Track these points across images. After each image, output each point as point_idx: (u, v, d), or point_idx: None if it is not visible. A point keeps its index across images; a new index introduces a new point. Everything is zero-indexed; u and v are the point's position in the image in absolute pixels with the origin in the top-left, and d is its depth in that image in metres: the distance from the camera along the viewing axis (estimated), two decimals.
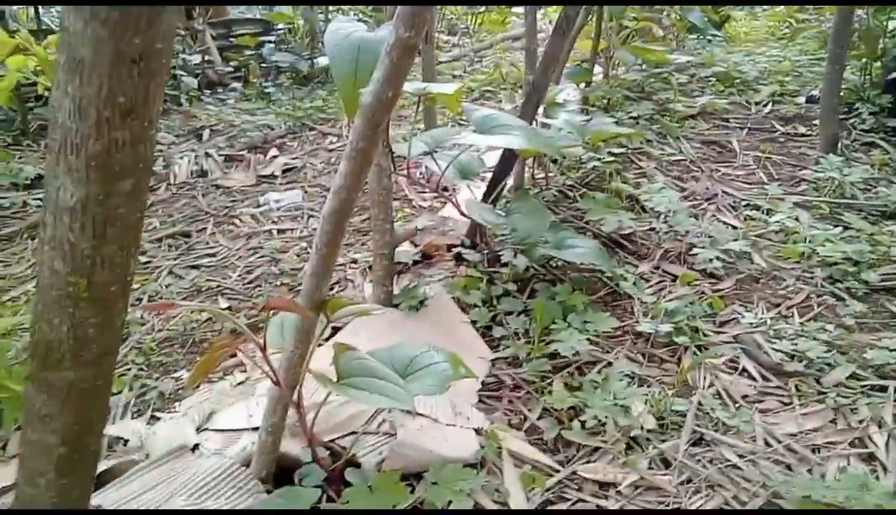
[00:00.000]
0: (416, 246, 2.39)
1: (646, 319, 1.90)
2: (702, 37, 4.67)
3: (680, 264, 2.21)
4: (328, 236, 1.11)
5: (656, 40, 4.44)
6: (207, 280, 2.48)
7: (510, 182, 2.37)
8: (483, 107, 1.89)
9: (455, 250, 2.24)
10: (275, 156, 3.69)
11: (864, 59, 3.27)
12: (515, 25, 9.25)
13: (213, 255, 2.72)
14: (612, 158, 2.83)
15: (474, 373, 1.39)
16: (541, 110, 2.33)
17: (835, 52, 2.86)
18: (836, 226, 2.33)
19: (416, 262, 2.32)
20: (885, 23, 3.23)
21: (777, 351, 1.75)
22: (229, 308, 2.23)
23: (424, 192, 2.99)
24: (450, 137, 1.93)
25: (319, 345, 1.24)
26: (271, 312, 1.16)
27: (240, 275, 2.51)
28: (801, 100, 3.48)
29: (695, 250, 2.20)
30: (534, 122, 2.11)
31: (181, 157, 3.67)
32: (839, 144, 2.96)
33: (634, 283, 2.05)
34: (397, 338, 1.57)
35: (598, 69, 3.58)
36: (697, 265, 2.17)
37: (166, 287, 2.42)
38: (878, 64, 3.28)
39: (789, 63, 4.12)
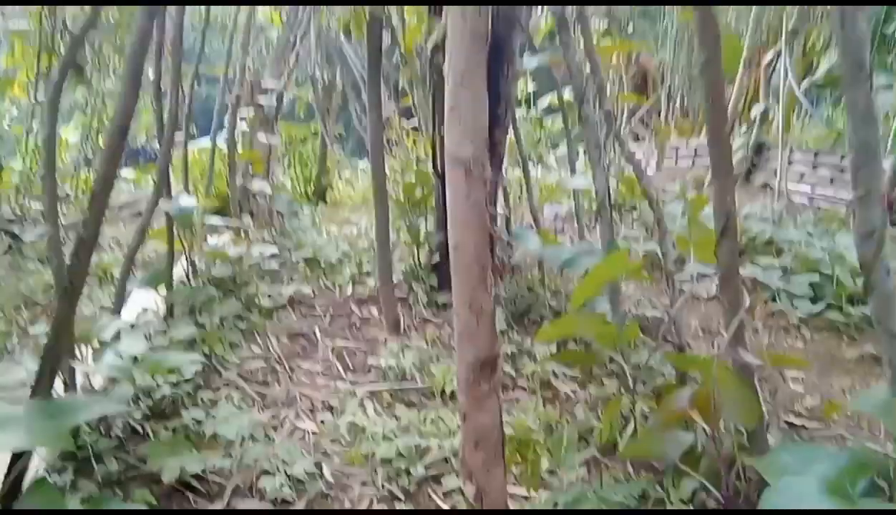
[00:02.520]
0: None
1: None
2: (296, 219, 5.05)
3: (252, 496, 2.16)
4: None
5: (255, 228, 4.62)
6: None
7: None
8: None
9: None
10: None
11: (412, 246, 3.91)
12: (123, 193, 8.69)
13: None
14: (192, 373, 2.72)
15: None
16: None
17: (380, 247, 3.34)
18: (393, 418, 2.60)
19: None
20: (425, 220, 3.95)
21: None
22: None
23: None
24: None
25: None
26: None
27: None
28: (373, 282, 3.95)
29: (264, 478, 2.19)
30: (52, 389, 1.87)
31: None
32: (402, 324, 3.41)
33: None
34: None
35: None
36: (269, 494, 2.15)
37: None
38: (426, 248, 3.96)
39: (367, 242, 4.71)
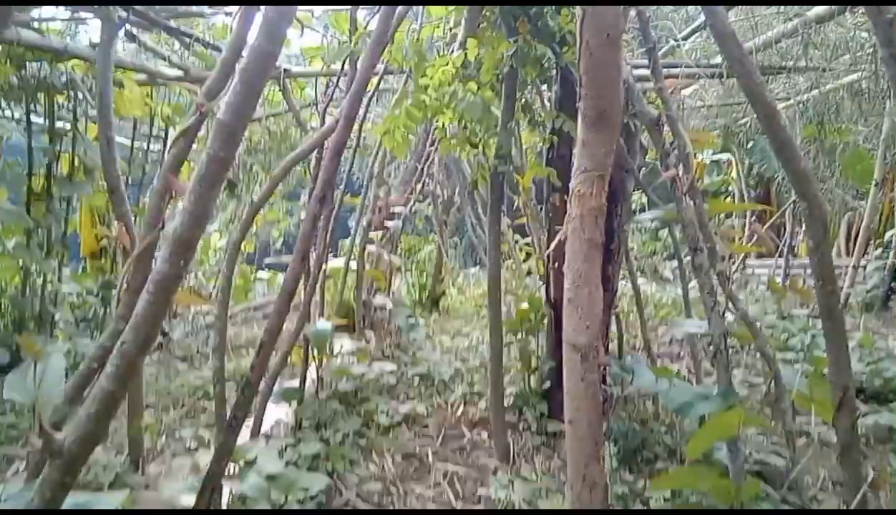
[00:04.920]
0: None
1: None
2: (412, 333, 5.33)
3: None
4: None
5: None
6: None
7: None
8: None
9: None
10: None
11: (523, 371, 4.01)
12: (258, 294, 9.58)
13: None
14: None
15: None
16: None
17: (493, 375, 3.48)
18: None
19: None
20: (538, 345, 4.06)
21: None
22: None
23: None
24: None
25: None
26: None
27: None
28: (484, 404, 4.07)
29: None
30: None
31: None
32: (512, 452, 3.46)
33: None
34: None
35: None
36: None
37: None
38: (536, 374, 4.04)
39: (478, 358, 4.87)
